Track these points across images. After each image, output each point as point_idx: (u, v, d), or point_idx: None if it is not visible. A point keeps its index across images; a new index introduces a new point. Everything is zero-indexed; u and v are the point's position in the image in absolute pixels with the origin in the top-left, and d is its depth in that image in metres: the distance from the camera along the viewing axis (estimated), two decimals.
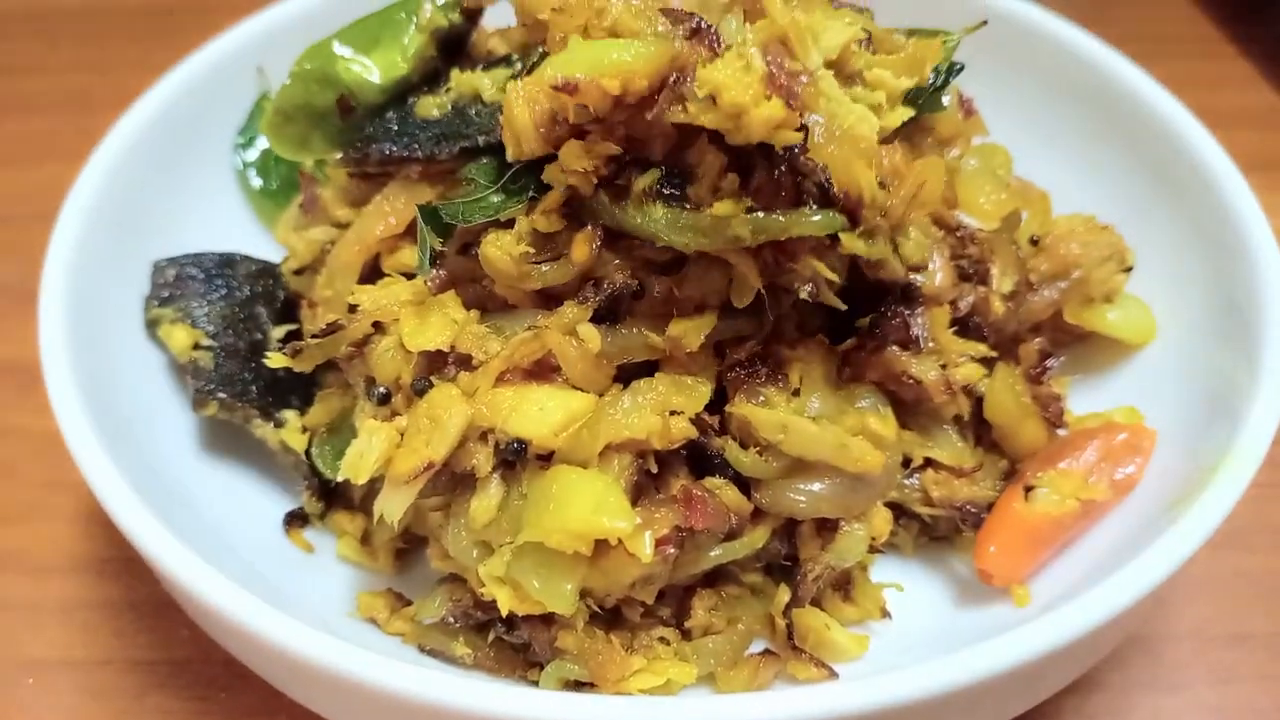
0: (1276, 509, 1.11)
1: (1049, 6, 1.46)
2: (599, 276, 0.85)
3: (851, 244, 0.79)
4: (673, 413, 0.82)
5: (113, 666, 0.99)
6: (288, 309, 1.06)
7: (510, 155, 0.83)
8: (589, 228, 0.83)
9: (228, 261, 1.07)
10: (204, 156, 1.17)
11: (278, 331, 1.04)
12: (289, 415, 0.98)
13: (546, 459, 0.83)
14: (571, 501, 0.79)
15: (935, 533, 0.99)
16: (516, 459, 0.82)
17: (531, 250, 0.84)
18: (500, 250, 0.83)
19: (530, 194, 0.85)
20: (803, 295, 0.82)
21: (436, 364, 0.85)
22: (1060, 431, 1.01)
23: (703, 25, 0.78)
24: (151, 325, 1.01)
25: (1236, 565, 1.08)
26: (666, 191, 0.79)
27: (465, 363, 0.85)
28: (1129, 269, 1.08)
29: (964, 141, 1.03)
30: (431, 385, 0.84)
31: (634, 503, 0.82)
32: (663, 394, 0.83)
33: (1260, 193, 1.57)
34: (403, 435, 0.83)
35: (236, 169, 1.18)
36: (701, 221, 0.78)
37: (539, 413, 0.82)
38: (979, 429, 1.00)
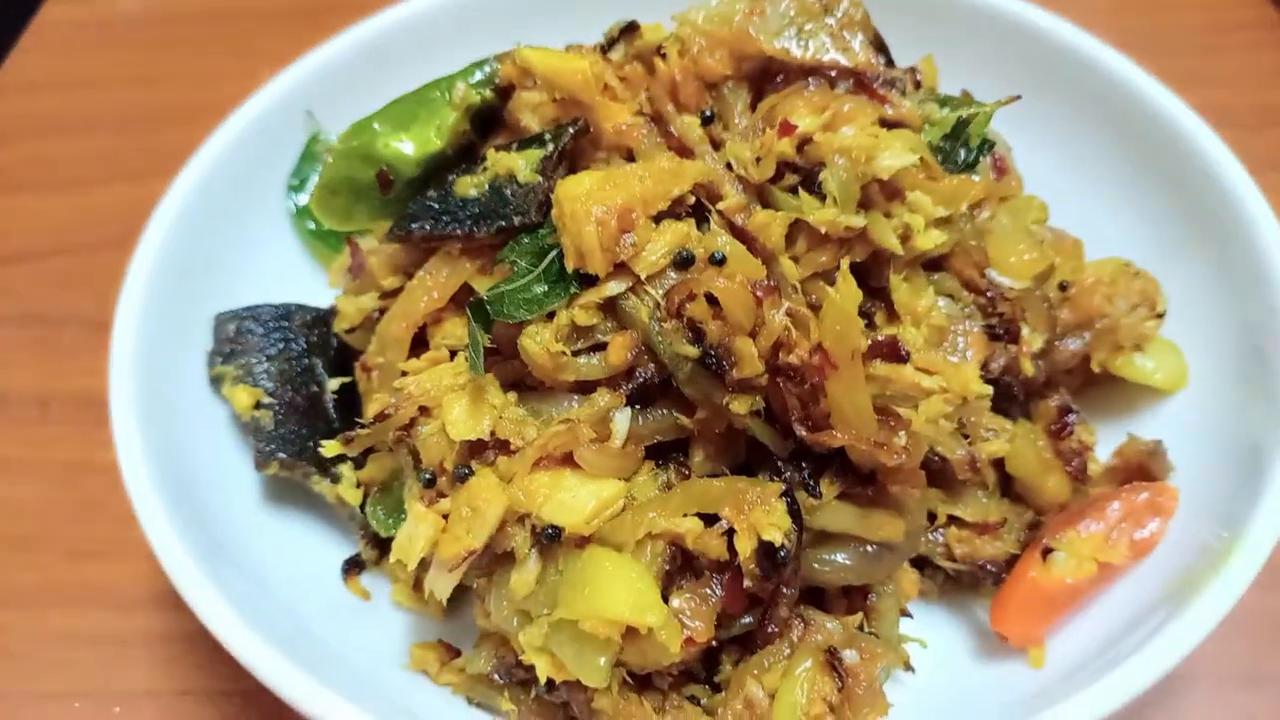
0: None
1: None
2: (632, 367, 0.89)
3: None
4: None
5: (192, 697, 1.07)
6: (342, 356, 1.11)
7: (570, 265, 0.87)
8: (628, 333, 0.87)
9: (284, 314, 1.11)
10: (259, 200, 1.21)
11: (333, 383, 1.09)
12: (344, 470, 1.04)
13: (584, 538, 0.88)
14: (604, 589, 0.83)
15: (959, 582, 1.03)
16: (552, 542, 0.87)
17: (568, 345, 0.88)
18: (539, 346, 0.87)
19: (571, 287, 0.89)
20: None
21: (477, 449, 0.90)
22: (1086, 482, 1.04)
23: None
24: (215, 382, 1.07)
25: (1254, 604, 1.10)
26: (708, 363, 0.84)
27: (504, 446, 0.90)
28: (1160, 315, 1.09)
29: (995, 201, 1.03)
30: (472, 472, 0.89)
31: (669, 584, 0.87)
32: (710, 497, 0.87)
33: None
34: (447, 517, 0.89)
35: (290, 211, 1.23)
36: (716, 395, 0.84)
37: (572, 500, 0.87)
38: (1004, 479, 1.04)
